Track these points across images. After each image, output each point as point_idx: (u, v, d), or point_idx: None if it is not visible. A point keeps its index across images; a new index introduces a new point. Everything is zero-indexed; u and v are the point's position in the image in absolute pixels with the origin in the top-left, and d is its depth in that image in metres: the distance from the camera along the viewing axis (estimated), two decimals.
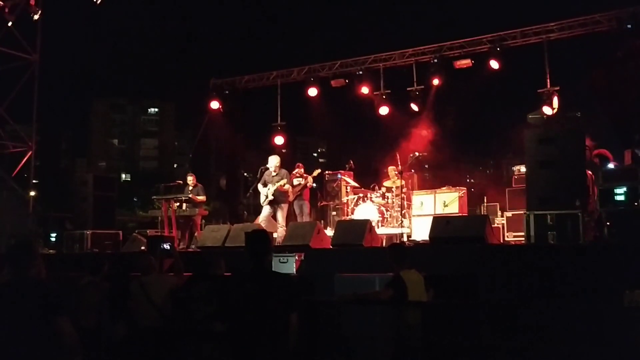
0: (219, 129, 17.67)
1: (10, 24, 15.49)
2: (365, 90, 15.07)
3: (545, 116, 13.15)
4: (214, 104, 16.65)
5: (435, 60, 14.18)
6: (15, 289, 3.86)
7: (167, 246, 7.47)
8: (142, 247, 10.88)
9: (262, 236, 4.58)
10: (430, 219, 9.64)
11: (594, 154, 9.54)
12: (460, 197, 11.86)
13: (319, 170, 13.06)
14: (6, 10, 15.30)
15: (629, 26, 12.04)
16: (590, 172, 8.99)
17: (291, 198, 12.15)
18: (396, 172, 12.32)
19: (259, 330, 4.18)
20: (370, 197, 12.56)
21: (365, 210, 12.24)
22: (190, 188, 12.48)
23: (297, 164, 13.08)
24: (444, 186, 12.66)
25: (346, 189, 13.51)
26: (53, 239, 13.31)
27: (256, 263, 4.42)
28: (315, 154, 77.17)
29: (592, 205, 8.43)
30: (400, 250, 6.28)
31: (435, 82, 14.24)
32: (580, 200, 7.85)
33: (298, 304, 4.39)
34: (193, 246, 11.64)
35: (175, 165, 78.28)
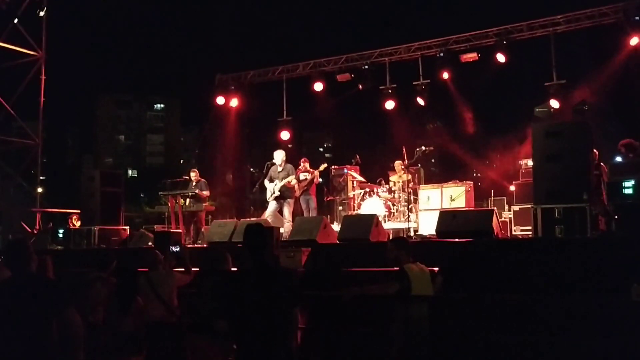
0: (225, 124, 17.69)
1: (16, 21, 15.53)
2: (370, 84, 15.03)
3: (552, 109, 13.12)
4: (220, 100, 16.66)
5: (441, 54, 14.13)
6: (17, 285, 3.88)
7: (175, 249, 7.43)
8: (150, 243, 10.91)
9: (258, 230, 4.44)
10: (437, 213, 9.61)
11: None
12: (467, 191, 11.83)
13: (325, 165, 13.04)
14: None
15: (637, 18, 11.97)
16: (603, 164, 8.94)
17: (298, 193, 12.12)
18: (402, 167, 12.30)
19: (259, 325, 4.13)
20: (377, 192, 12.52)
21: (372, 205, 12.21)
22: (194, 184, 12.50)
23: (303, 158, 13.05)
24: (451, 180, 12.64)
25: (352, 183, 13.48)
26: (60, 235, 13.33)
27: (255, 257, 4.32)
28: (321, 149, 77.14)
29: (604, 199, 8.38)
30: (403, 244, 6.26)
31: (445, 75, 14.19)
32: (588, 193, 7.80)
33: (299, 299, 4.31)
34: (200, 242, 11.66)
35: (181, 161, 78.40)
